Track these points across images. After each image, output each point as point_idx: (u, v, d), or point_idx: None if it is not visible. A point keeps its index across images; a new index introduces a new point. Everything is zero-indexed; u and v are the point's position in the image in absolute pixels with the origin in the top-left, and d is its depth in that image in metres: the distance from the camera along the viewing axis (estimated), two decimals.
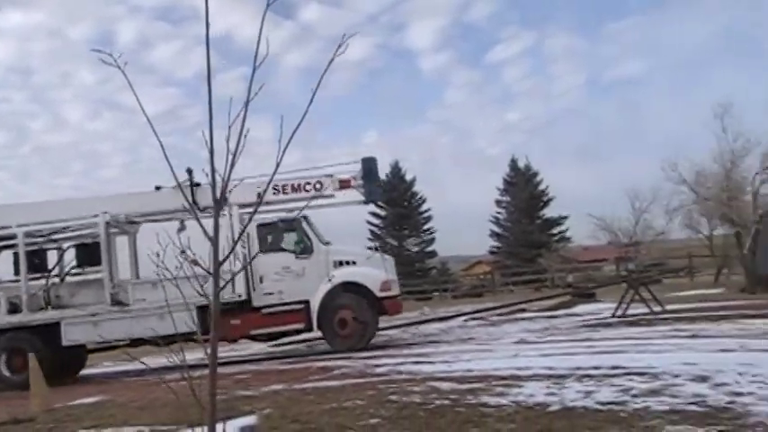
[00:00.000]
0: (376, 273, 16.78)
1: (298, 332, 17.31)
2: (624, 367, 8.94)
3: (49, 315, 16.73)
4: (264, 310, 16.55)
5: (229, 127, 4.02)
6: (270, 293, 16.68)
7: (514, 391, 8.03)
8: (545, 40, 77.91)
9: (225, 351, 18.89)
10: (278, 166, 4.27)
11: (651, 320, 16.13)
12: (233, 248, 5.08)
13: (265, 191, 15.69)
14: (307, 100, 4.04)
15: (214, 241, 4.75)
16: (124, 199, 17.85)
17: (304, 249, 16.85)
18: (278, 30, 70.30)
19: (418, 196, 60.48)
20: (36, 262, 17.45)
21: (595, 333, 14.86)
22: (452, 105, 67.67)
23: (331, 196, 17.70)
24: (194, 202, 16.09)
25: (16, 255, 17.27)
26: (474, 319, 22.40)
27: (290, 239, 17.18)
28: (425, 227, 60.22)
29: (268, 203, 16.92)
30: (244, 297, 16.25)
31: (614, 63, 70.35)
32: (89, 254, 17.34)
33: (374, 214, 57.84)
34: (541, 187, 58.99)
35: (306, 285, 16.59)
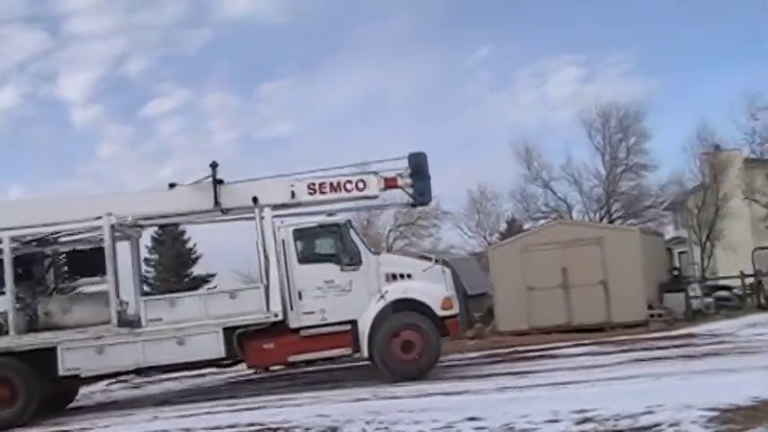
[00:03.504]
0: (436, 288, 14.37)
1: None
2: (261, 423, 9.16)
3: (43, 338, 13.67)
4: (303, 332, 13.91)
5: None
6: (310, 312, 13.99)
7: None
8: (200, 97, 78.22)
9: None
10: None
11: (294, 375, 16.62)
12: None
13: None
14: None
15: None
16: (130, 198, 15.26)
17: (351, 260, 14.18)
18: None
19: None
20: (18, 272, 14.25)
21: (242, 391, 15.01)
22: (105, 159, 65.30)
23: (375, 197, 15.46)
24: (217, 202, 14.25)
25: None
26: (119, 381, 21.50)
27: (333, 248, 14.49)
28: None
29: (302, 205, 14.85)
30: (280, 317, 13.75)
31: (266, 122, 72.46)
32: (84, 262, 14.83)
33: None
34: (189, 245, 58.46)
35: (353, 302, 14.01)
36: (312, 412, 9.84)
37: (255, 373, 16.33)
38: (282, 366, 15.99)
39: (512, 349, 18.09)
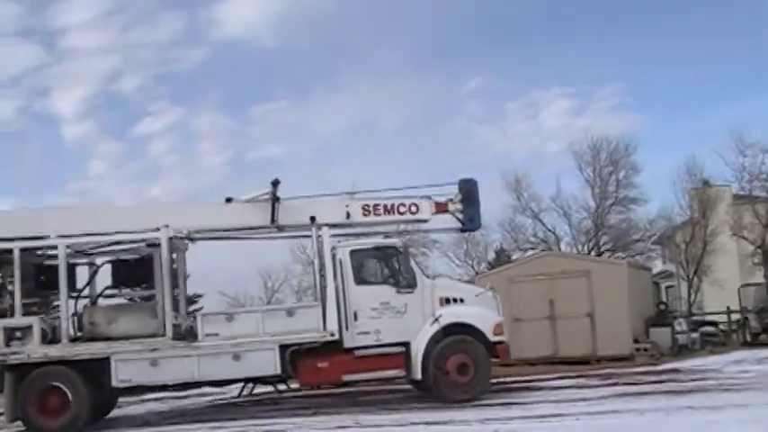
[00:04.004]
0: (489, 313, 14.61)
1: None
2: None
3: (97, 348, 13.56)
4: (358, 353, 13.98)
5: None
6: (365, 333, 14.07)
7: None
8: (193, 117, 78.33)
9: None
10: None
11: (276, 399, 16.54)
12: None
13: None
14: None
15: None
16: (186, 210, 15.24)
17: (407, 282, 14.34)
18: None
19: None
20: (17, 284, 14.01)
21: (225, 414, 14.91)
22: (96, 176, 65.23)
23: (426, 221, 15.80)
24: (274, 219, 14.27)
25: (38, 268, 14.25)
26: None
27: (388, 270, 14.63)
28: None
29: (356, 225, 15.14)
30: (336, 336, 13.83)
31: (258, 144, 72.61)
32: (128, 273, 14.81)
33: None
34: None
35: (407, 325, 14.15)
36: None
37: (239, 396, 16.26)
38: (269, 390, 15.99)
39: (497, 380, 18.05)
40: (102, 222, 14.26)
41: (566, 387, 15.25)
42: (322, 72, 70.83)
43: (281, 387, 15.39)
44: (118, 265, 15.01)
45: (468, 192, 15.39)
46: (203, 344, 13.66)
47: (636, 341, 22.12)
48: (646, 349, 22.01)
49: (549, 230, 40.19)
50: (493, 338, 14.36)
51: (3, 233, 13.88)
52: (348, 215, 14.76)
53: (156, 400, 17.98)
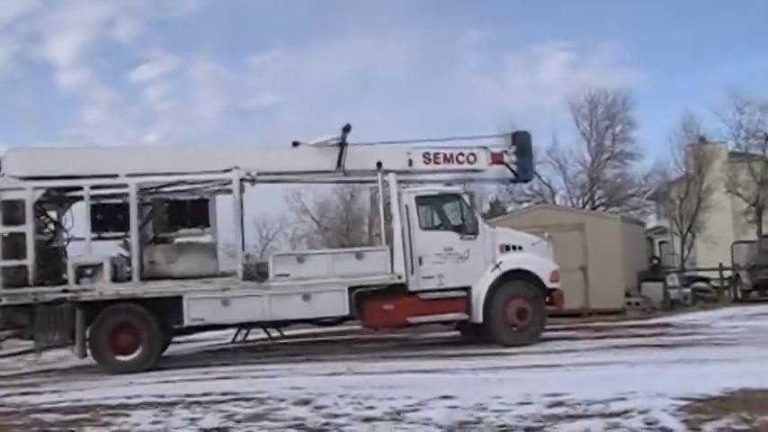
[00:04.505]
0: (546, 261, 15.17)
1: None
2: (235, 393, 9.15)
3: (169, 287, 13.80)
4: (422, 296, 14.41)
5: None
6: (429, 277, 14.50)
7: (120, 420, 7.90)
8: (189, 65, 77.71)
9: None
10: None
11: (269, 346, 16.63)
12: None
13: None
14: None
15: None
16: (254, 153, 15.35)
17: (470, 229, 14.76)
18: None
19: None
20: (119, 218, 14.40)
21: (217, 360, 14.98)
22: (91, 124, 64.88)
23: (483, 171, 16.01)
24: (340, 164, 14.67)
25: (96, 207, 14.18)
26: None
27: (452, 216, 15.17)
28: None
29: (417, 173, 15.51)
30: (403, 279, 14.20)
31: (254, 92, 72.11)
32: (186, 214, 14.93)
33: None
34: None
35: (469, 270, 14.57)
36: (287, 384, 9.85)
37: (233, 342, 16.31)
38: (261, 338, 16.03)
39: None
40: (173, 162, 14.48)
41: (556, 339, 15.28)
42: (320, 21, 70.34)
43: (275, 334, 15.41)
44: (174, 207, 15.11)
45: (523, 144, 16.06)
46: (274, 284, 13.89)
47: (628, 295, 22.24)
48: (638, 303, 22.15)
49: (545, 183, 40.19)
50: (549, 285, 14.88)
51: (72, 171, 14.04)
52: (410, 162, 15.16)
53: None
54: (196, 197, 15.14)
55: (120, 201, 14.47)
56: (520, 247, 15.14)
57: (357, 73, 69.47)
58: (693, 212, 34.32)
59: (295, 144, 14.94)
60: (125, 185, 14.06)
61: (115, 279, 13.81)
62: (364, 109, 58.41)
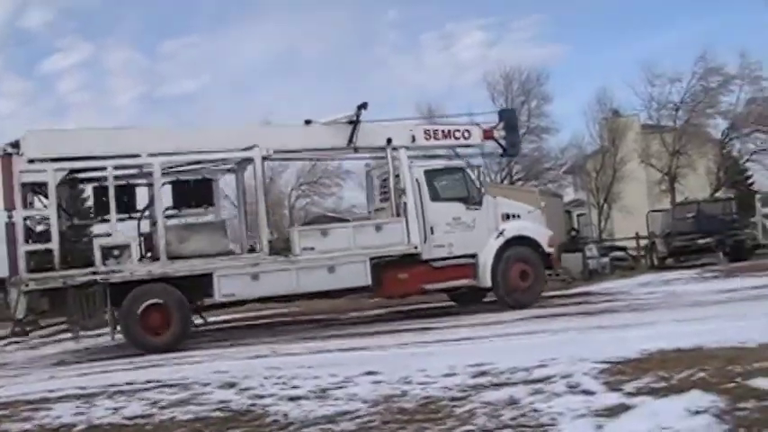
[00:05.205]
0: (542, 228, 16.53)
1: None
2: (159, 380, 9.02)
3: (198, 265, 13.91)
4: (434, 264, 15.31)
5: None
6: (440, 246, 15.43)
7: (41, 414, 7.70)
8: (103, 52, 75.73)
9: None
10: None
11: (193, 333, 16.36)
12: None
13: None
14: None
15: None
16: (269, 131, 16.07)
17: (475, 199, 15.83)
18: None
19: None
20: (125, 200, 14.56)
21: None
22: (2, 115, 62.73)
23: (476, 146, 17.37)
24: (351, 141, 15.18)
25: (104, 189, 14.09)
26: (13, 342, 20.82)
27: (458, 188, 16.02)
28: None
29: (419, 149, 16.21)
30: (419, 249, 15.05)
31: (172, 79, 70.84)
32: (190, 193, 15.15)
33: None
34: None
35: (476, 238, 15.63)
36: (211, 369, 9.73)
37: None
38: (199, 324, 15.82)
39: (415, 306, 18.29)
40: (192, 142, 14.65)
41: (481, 312, 15.51)
42: (239, 3, 69.28)
43: (198, 321, 15.22)
44: (178, 187, 15.27)
45: (509, 120, 17.46)
46: (301, 257, 14.30)
47: None
48: (558, 274, 22.52)
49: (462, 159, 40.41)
50: (548, 250, 16.19)
51: (94, 151, 13.91)
52: (413, 138, 15.91)
53: (71, 339, 17.56)
54: (199, 177, 15.51)
55: (128, 182, 14.77)
56: (518, 216, 16.39)
57: (278, 54, 69.05)
58: (609, 184, 35.15)
59: (307, 122, 15.53)
60: (149, 165, 14.03)
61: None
62: (287, 89, 58.04)
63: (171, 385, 8.55)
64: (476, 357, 8.42)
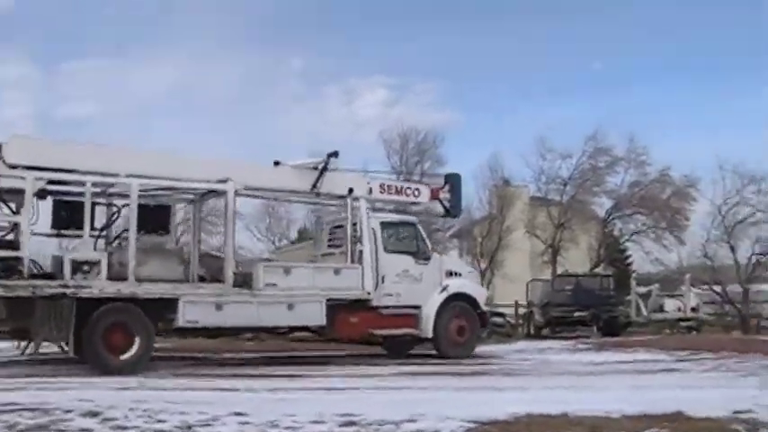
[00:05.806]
0: (480, 287, 18.27)
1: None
2: (19, 403, 8.67)
3: (167, 289, 13.84)
4: (383, 311, 15.93)
5: None
6: (389, 294, 16.10)
7: None
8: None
9: None
10: None
11: (62, 360, 15.75)
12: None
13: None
14: None
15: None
16: (239, 167, 15.78)
17: (424, 255, 16.82)
18: None
19: None
20: (81, 218, 13.79)
21: (2, 371, 14.02)
22: None
23: (422, 204, 18.57)
24: (315, 186, 15.75)
25: (70, 205, 14.30)
26: None
27: (410, 242, 16.91)
28: None
29: (372, 200, 16.84)
30: (371, 295, 15.59)
31: (69, 100, 68.95)
32: (149, 218, 14.71)
33: None
34: None
35: (421, 291, 16.49)
36: (75, 396, 9.36)
37: (22, 354, 15.36)
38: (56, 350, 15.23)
39: (290, 353, 18.14)
40: (169, 167, 14.77)
41: (358, 364, 15.51)
42: (144, 32, 68.39)
43: (66, 349, 14.62)
44: (144, 211, 14.64)
45: (454, 184, 18.25)
46: (263, 292, 14.52)
47: None
48: None
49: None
50: (483, 308, 17.37)
51: (74, 165, 13.73)
52: (370, 191, 16.68)
53: None
54: (157, 203, 15.43)
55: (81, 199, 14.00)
56: (459, 274, 17.57)
57: (179, 90, 68.13)
58: (494, 250, 35.77)
59: (276, 163, 15.96)
60: (126, 185, 13.97)
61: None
62: (184, 125, 57.27)
63: (31, 409, 8.20)
64: (345, 407, 8.40)
